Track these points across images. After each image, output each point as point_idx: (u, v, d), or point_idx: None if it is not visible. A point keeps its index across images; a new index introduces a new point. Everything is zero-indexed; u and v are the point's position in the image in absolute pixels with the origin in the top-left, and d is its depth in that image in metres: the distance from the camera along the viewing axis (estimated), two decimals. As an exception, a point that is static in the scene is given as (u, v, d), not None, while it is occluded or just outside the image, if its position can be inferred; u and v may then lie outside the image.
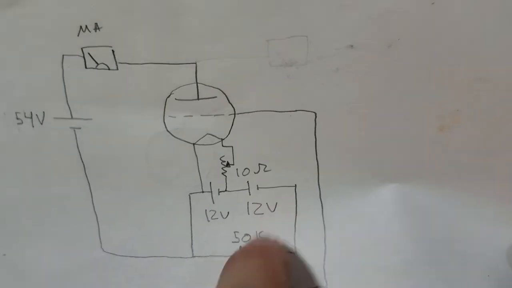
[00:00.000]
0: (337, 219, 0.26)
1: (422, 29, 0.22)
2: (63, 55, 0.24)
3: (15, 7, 0.23)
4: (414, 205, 0.25)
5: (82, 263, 0.27)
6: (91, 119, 0.26)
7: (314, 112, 0.24)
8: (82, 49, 0.24)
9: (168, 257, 0.27)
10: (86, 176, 0.27)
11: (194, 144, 0.26)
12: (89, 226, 0.27)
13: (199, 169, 0.26)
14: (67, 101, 0.25)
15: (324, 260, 0.26)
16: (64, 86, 0.25)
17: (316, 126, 0.25)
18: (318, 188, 0.26)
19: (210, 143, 0.26)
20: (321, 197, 0.26)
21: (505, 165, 0.24)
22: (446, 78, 0.23)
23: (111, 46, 0.24)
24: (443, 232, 0.25)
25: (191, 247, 0.27)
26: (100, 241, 0.27)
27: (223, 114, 0.25)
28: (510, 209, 0.24)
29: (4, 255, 0.28)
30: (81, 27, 0.24)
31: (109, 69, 0.24)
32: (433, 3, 0.21)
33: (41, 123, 0.26)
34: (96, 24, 0.23)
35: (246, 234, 0.27)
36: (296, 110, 0.25)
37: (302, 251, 0.26)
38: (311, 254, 0.26)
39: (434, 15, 0.21)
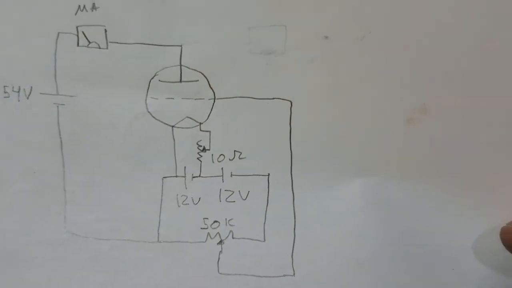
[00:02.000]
0: (308, 210, 0.26)
1: (392, 23, 0.24)
2: (58, 33, 0.26)
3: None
4: (383, 198, 0.25)
5: (43, 242, 0.26)
6: (75, 96, 0.26)
7: (290, 101, 0.26)
8: (77, 27, 0.26)
9: (132, 240, 0.26)
10: (62, 153, 0.27)
11: (173, 126, 0.26)
12: (55, 205, 0.26)
13: (175, 153, 0.26)
14: (55, 78, 0.26)
15: (293, 249, 0.25)
16: (55, 62, 0.26)
17: (292, 115, 0.26)
18: (290, 179, 0.26)
19: (189, 127, 0.26)
20: (293, 188, 0.26)
21: (471, 159, 0.24)
22: (414, 72, 0.24)
23: (104, 26, 0.26)
24: (410, 226, 0.25)
25: (158, 231, 0.26)
26: (65, 221, 0.26)
27: (203, 98, 0.26)
28: (475, 204, 0.24)
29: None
30: (79, 6, 0.26)
31: (99, 47, 0.26)
32: (401, -2, 0.24)
33: (27, 98, 0.27)
34: (93, 4, 0.25)
35: (216, 221, 0.26)
36: (273, 98, 0.26)
37: (271, 240, 0.25)
38: (280, 243, 0.25)
39: (403, 10, 0.24)
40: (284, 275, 0.25)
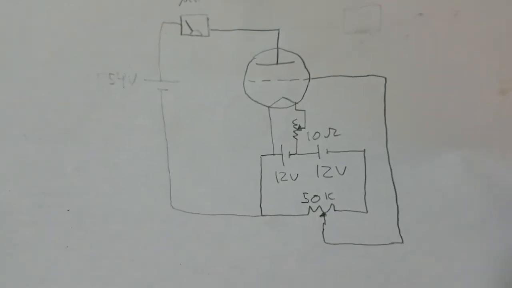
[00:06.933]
0: (407, 182, 0.26)
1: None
2: (163, 23, 0.28)
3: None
4: (480, 170, 0.25)
5: (151, 219, 0.27)
6: (178, 81, 0.28)
7: (384, 77, 0.27)
8: (181, 17, 0.28)
9: (236, 215, 0.27)
10: (166, 135, 0.28)
11: (269, 107, 0.28)
12: (160, 184, 0.28)
13: (272, 132, 0.28)
14: (159, 65, 0.28)
15: (398, 219, 0.26)
16: (159, 51, 0.28)
17: (386, 92, 0.27)
18: (387, 153, 0.27)
19: (284, 107, 0.28)
20: (390, 162, 0.27)
21: None
22: (506, 44, 0.25)
23: (206, 14, 0.28)
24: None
25: (260, 206, 0.27)
26: (170, 198, 0.28)
27: (298, 79, 0.27)
28: None
29: (68, 210, 0.29)
30: (183, -3, 0.28)
31: (201, 35, 0.28)
32: (494, -26, 0.25)
33: (132, 84, 0.29)
34: (196, -6, 0.28)
35: (316, 195, 0.27)
36: (367, 75, 0.27)
37: (374, 211, 0.26)
38: (383, 214, 0.26)
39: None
40: (392, 243, 0.25)
